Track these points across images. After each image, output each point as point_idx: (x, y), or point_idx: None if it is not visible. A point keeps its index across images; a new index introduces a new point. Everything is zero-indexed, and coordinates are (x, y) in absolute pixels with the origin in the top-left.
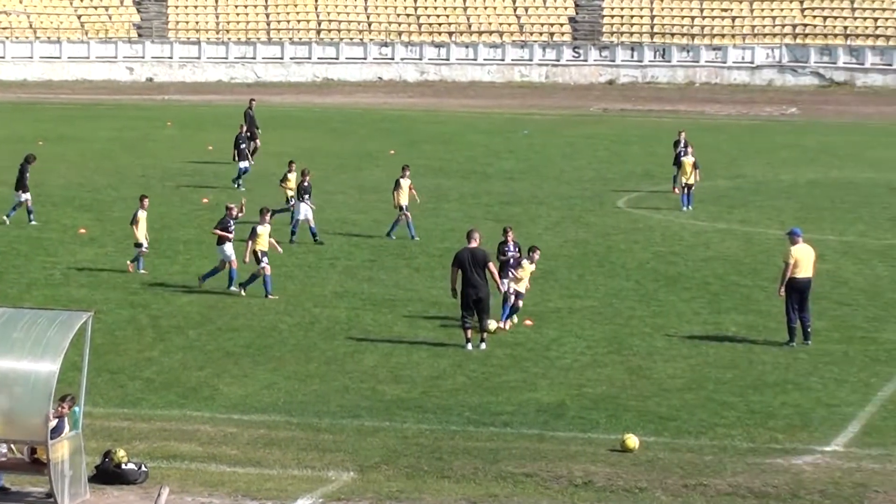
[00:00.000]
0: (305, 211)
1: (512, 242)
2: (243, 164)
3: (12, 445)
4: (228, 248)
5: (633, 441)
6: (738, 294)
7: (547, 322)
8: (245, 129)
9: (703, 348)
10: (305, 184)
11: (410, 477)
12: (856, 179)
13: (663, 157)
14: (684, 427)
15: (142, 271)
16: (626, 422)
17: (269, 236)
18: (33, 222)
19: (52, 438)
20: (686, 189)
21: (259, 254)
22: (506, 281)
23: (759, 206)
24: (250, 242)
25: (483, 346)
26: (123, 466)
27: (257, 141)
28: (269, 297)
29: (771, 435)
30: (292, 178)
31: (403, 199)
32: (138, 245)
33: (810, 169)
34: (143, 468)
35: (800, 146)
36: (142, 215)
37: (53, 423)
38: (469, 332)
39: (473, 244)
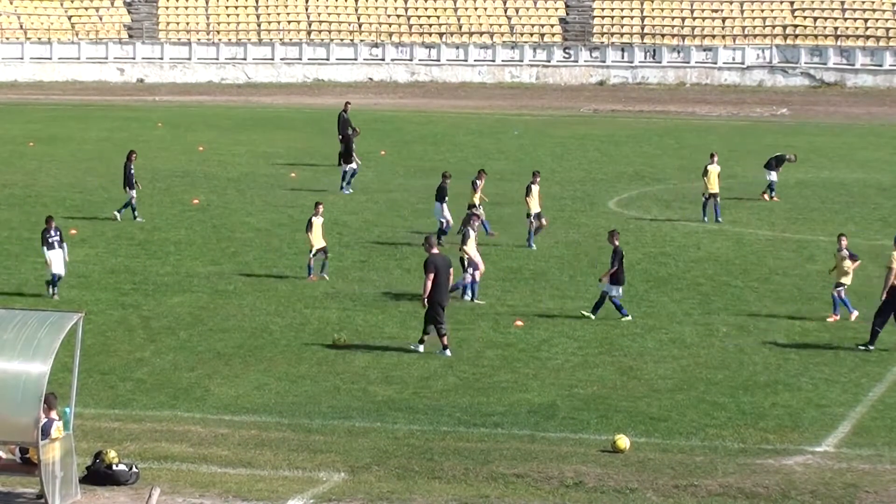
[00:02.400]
0: (445, 212)
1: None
2: (351, 166)
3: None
4: (471, 248)
5: (623, 442)
6: (729, 294)
7: (538, 323)
8: (340, 132)
9: (693, 349)
10: (444, 185)
11: (401, 478)
12: (846, 180)
13: (653, 157)
14: (675, 428)
15: (325, 276)
16: (616, 422)
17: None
18: (139, 219)
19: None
20: (712, 199)
21: (465, 261)
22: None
23: (750, 207)
24: (464, 248)
25: (448, 352)
26: (114, 467)
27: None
28: (476, 301)
29: (762, 435)
30: (536, 190)
31: (535, 206)
32: (316, 251)
33: (801, 170)
34: (134, 469)
35: (790, 147)
36: (316, 221)
37: (43, 420)
38: (427, 336)
39: (436, 250)
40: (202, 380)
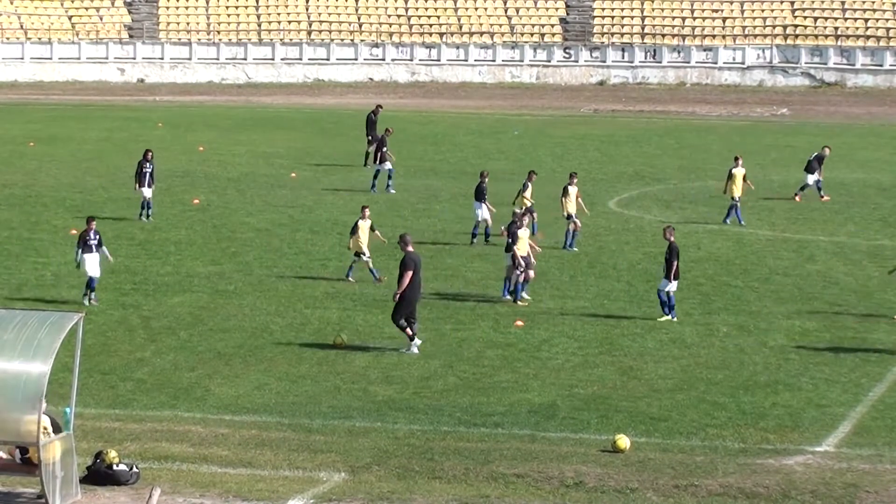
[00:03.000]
0: (483, 212)
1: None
2: (387, 166)
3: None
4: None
5: (624, 442)
6: (729, 294)
7: (538, 323)
8: (369, 133)
9: (693, 349)
10: (483, 185)
11: (401, 477)
12: (846, 180)
13: (654, 157)
14: (675, 428)
15: (351, 279)
16: (617, 422)
17: (529, 240)
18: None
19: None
20: (733, 202)
21: (518, 258)
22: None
23: (750, 207)
24: (515, 249)
25: (415, 348)
26: (115, 467)
27: (371, 146)
28: (519, 302)
29: (762, 435)
30: (573, 192)
31: (571, 207)
32: (358, 254)
33: (801, 170)
34: (135, 469)
35: (790, 147)
36: (363, 225)
37: (45, 420)
38: (409, 330)
39: (411, 248)
40: (202, 380)
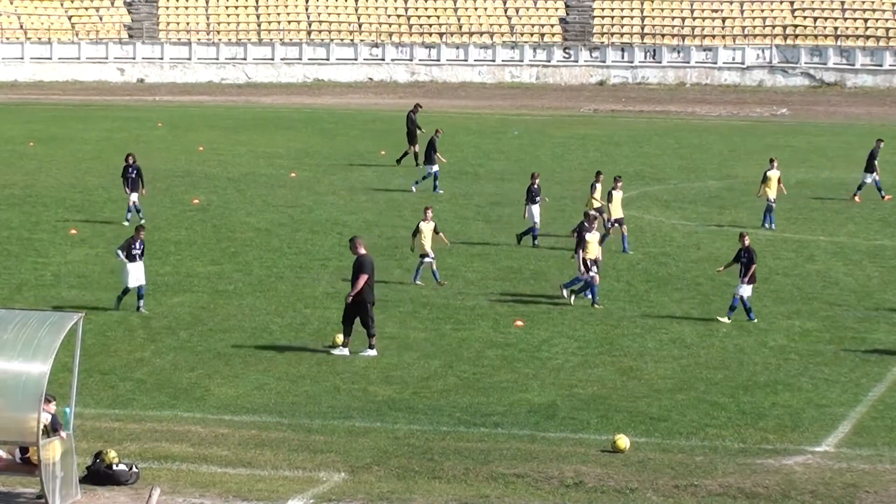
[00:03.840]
0: (535, 213)
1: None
2: (434, 168)
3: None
4: (593, 250)
5: (623, 442)
6: (729, 294)
7: (538, 322)
8: (409, 133)
9: (693, 349)
10: (535, 186)
11: (401, 478)
12: (846, 180)
13: (653, 157)
14: (675, 428)
15: (418, 282)
16: (616, 422)
17: (599, 243)
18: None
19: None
20: (769, 204)
21: (588, 262)
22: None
23: (750, 207)
24: (580, 252)
25: (375, 351)
26: (114, 467)
27: (415, 147)
28: (597, 305)
29: (762, 435)
30: (617, 196)
31: (617, 212)
32: (423, 256)
33: (801, 169)
34: (135, 469)
35: (790, 147)
36: (425, 227)
37: (47, 417)
38: (349, 338)
39: (363, 251)
40: (202, 380)
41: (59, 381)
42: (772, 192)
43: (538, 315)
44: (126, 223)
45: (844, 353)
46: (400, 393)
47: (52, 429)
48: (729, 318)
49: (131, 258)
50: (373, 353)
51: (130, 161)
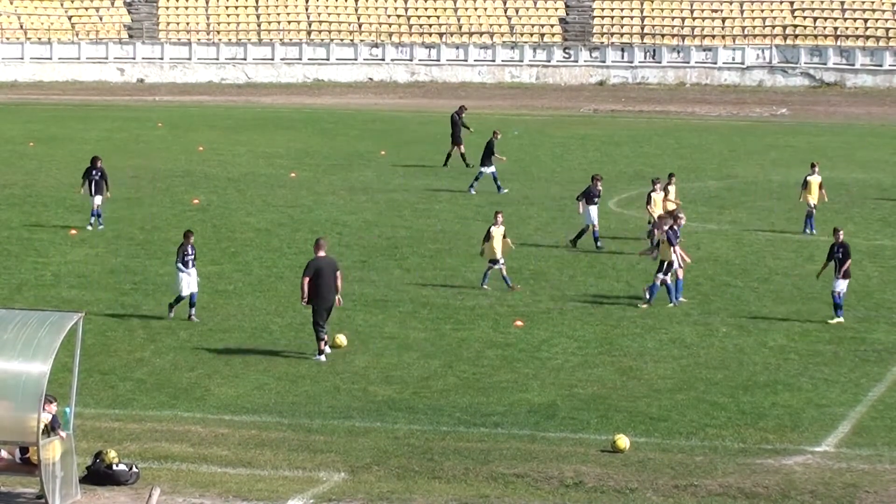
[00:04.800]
0: (594, 215)
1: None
2: (490, 169)
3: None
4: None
5: (623, 442)
6: (729, 295)
7: (538, 323)
8: (454, 133)
9: (693, 349)
10: (597, 188)
11: (401, 477)
12: (846, 180)
13: (653, 157)
14: (675, 428)
15: (485, 287)
16: (616, 422)
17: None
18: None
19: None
20: (811, 209)
21: (665, 263)
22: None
23: (750, 207)
24: (676, 250)
25: (323, 357)
26: (114, 467)
27: (460, 147)
28: (674, 303)
29: (762, 435)
30: (657, 198)
31: (669, 205)
32: (493, 261)
33: (800, 170)
34: (135, 469)
35: (790, 147)
36: (496, 231)
37: (48, 418)
38: (323, 343)
39: (323, 253)
40: (202, 380)
41: (59, 380)
42: (812, 198)
43: (538, 315)
44: (89, 227)
45: (844, 353)
46: (400, 393)
47: (52, 429)
48: (839, 317)
49: (185, 264)
50: (322, 358)
51: (97, 164)
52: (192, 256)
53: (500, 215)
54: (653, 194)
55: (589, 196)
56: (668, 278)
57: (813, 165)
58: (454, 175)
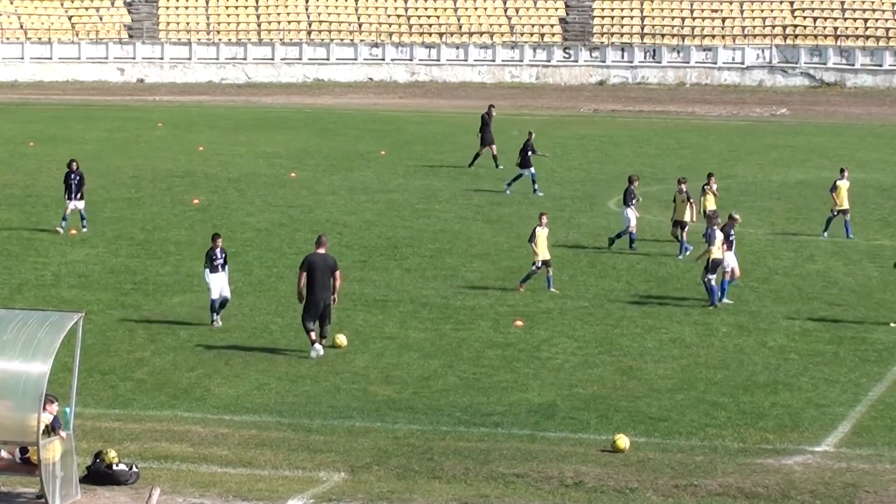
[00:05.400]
0: (632, 218)
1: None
2: (529, 170)
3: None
4: (730, 256)
5: (623, 441)
6: (729, 294)
7: (538, 322)
8: (482, 133)
9: (693, 349)
10: (632, 190)
11: (401, 477)
12: None
13: (653, 157)
14: (675, 427)
15: (555, 289)
16: (616, 422)
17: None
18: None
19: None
20: (840, 214)
21: (710, 262)
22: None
23: (749, 207)
24: (712, 250)
25: (320, 349)
26: (114, 467)
27: (492, 147)
28: (725, 300)
29: (761, 435)
30: (709, 193)
31: (711, 204)
32: (536, 264)
33: (800, 170)
34: (135, 469)
35: (790, 147)
36: (541, 232)
37: (49, 418)
38: (313, 334)
39: (322, 250)
40: (202, 379)
41: (60, 380)
42: (841, 202)
43: (538, 315)
44: (60, 230)
45: (844, 352)
46: (400, 393)
47: (53, 429)
48: None
49: (213, 269)
50: (318, 352)
51: (74, 167)
52: (222, 260)
53: (544, 216)
54: (706, 187)
55: (626, 197)
56: (713, 278)
57: (842, 170)
58: (454, 175)
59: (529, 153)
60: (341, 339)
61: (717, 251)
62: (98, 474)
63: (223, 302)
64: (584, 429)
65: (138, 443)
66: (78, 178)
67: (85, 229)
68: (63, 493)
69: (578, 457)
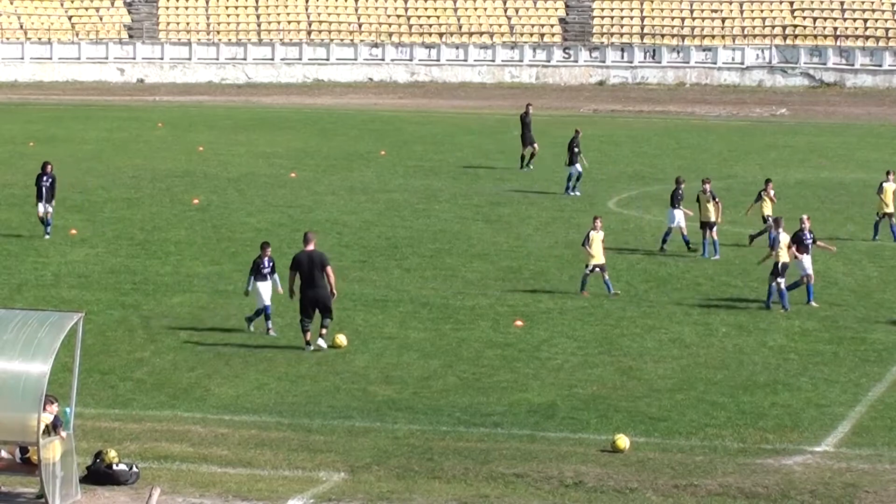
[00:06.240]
0: (679, 218)
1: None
2: (576, 169)
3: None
4: (806, 260)
5: (623, 441)
6: (729, 294)
7: (538, 322)
8: (523, 133)
9: (693, 349)
10: (680, 191)
11: (401, 477)
12: (845, 180)
13: (653, 157)
14: (675, 427)
15: (617, 292)
16: (616, 422)
17: (788, 247)
18: (577, 192)
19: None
20: (886, 218)
21: (779, 265)
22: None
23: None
24: (793, 249)
25: (322, 343)
26: (114, 467)
27: (534, 146)
28: (812, 304)
29: (761, 435)
30: (766, 199)
31: (767, 209)
32: (594, 267)
33: (800, 170)
34: (135, 469)
35: (789, 147)
36: (595, 236)
37: (49, 418)
38: (308, 333)
39: (311, 247)
40: (202, 379)
41: (60, 380)
42: (888, 205)
43: (538, 315)
44: (47, 237)
45: (844, 352)
46: (400, 393)
47: (54, 429)
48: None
49: (261, 277)
50: (309, 348)
51: (48, 170)
52: (269, 268)
53: (598, 220)
54: (763, 194)
55: (673, 199)
56: (782, 282)
57: (888, 173)
58: (454, 175)
59: (576, 150)
60: (341, 339)
61: (783, 254)
62: (98, 474)
63: (267, 310)
64: (584, 429)
65: (138, 443)
66: (50, 180)
67: (47, 236)
68: (63, 493)
69: (578, 457)
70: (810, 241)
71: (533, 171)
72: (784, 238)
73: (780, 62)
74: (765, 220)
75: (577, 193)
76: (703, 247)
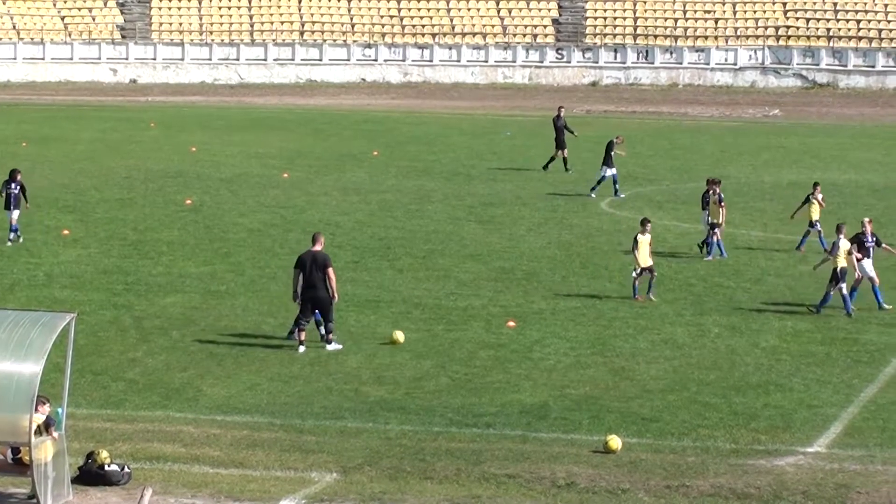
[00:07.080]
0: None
1: (870, 234)
2: (611, 171)
3: None
4: (867, 264)
5: (615, 442)
6: (721, 295)
7: (530, 323)
8: (557, 135)
9: (685, 350)
10: (710, 195)
11: (393, 478)
12: (838, 181)
13: (646, 158)
14: (667, 428)
15: (653, 298)
16: (608, 423)
17: (848, 253)
18: (621, 195)
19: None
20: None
21: (837, 271)
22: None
23: (742, 208)
24: (855, 253)
25: (330, 345)
26: (106, 467)
27: (563, 151)
28: (884, 307)
29: (753, 436)
30: (821, 197)
31: (815, 214)
32: (642, 270)
33: (793, 170)
34: (126, 469)
35: (782, 148)
36: (643, 239)
37: (41, 418)
38: (303, 334)
39: (318, 247)
40: (194, 380)
41: (52, 381)
42: None
43: (530, 316)
44: (9, 243)
45: (836, 353)
46: (392, 393)
47: (46, 429)
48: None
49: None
50: (302, 349)
51: (17, 177)
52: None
53: (648, 223)
54: (811, 197)
55: (703, 201)
56: (843, 287)
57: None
58: (447, 176)
59: (613, 153)
60: (398, 336)
61: (841, 259)
62: (90, 475)
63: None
64: (576, 429)
65: (130, 443)
66: (19, 187)
67: (10, 243)
68: (55, 493)
69: (570, 457)
70: (872, 244)
71: (531, 171)
72: (844, 244)
73: (772, 63)
74: (811, 224)
75: (623, 196)
76: (709, 247)
